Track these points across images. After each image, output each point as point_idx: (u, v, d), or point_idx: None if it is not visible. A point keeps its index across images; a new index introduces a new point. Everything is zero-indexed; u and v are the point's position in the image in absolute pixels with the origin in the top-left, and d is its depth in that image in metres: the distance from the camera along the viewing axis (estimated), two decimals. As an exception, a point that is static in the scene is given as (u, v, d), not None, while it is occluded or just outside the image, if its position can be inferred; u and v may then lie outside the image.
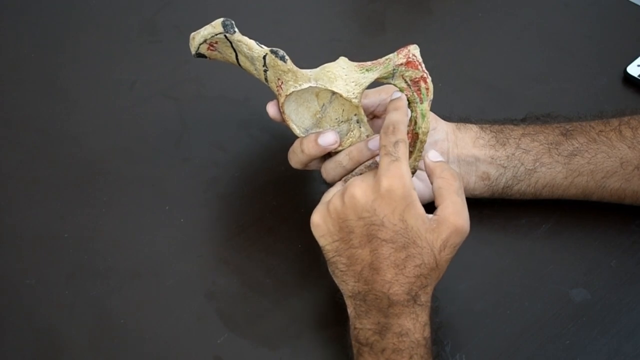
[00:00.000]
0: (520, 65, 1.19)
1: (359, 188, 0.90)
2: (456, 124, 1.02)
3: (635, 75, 1.15)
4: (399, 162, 0.89)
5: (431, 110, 0.99)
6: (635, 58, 1.16)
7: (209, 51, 0.98)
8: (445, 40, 1.21)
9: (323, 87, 0.95)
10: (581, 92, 1.15)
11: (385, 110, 0.99)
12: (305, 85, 0.96)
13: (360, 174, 0.95)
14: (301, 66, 0.97)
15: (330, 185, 0.98)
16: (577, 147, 1.00)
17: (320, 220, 0.91)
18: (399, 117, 0.92)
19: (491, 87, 1.16)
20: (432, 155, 0.93)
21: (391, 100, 0.95)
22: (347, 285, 0.91)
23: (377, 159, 0.95)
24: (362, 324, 0.89)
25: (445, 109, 1.03)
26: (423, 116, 0.95)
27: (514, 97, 1.15)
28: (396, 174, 0.89)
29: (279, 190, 1.06)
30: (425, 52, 0.96)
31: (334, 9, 1.26)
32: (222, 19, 0.95)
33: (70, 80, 1.17)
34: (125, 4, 1.25)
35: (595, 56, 1.19)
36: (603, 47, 1.20)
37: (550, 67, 1.18)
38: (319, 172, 1.00)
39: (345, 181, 0.96)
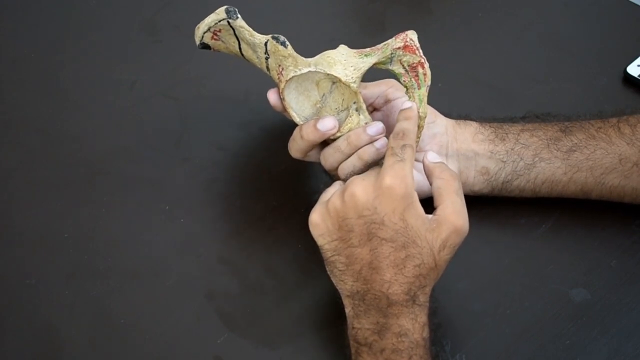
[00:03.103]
0: (520, 65, 1.19)
1: (360, 186, 0.90)
2: (456, 120, 1.02)
3: (635, 75, 1.15)
4: (403, 162, 0.89)
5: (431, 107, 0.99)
6: (635, 58, 1.16)
7: (213, 40, 0.99)
8: (445, 40, 1.21)
9: (322, 71, 0.96)
10: (581, 92, 1.15)
11: (384, 102, 1.00)
12: (305, 70, 0.96)
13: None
14: (300, 66, 0.97)
15: (329, 176, 0.98)
16: (576, 143, 1.00)
17: (319, 219, 0.91)
18: (409, 125, 0.93)
19: (491, 87, 1.16)
20: (430, 157, 0.94)
21: (401, 110, 0.95)
22: (345, 284, 0.90)
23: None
24: (360, 324, 0.89)
25: (445, 109, 1.03)
26: (421, 101, 0.95)
27: (514, 97, 1.15)
28: (399, 173, 0.89)
29: (279, 190, 1.06)
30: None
31: (334, 9, 1.26)
32: (225, 6, 0.96)
33: (70, 80, 1.17)
34: (125, 4, 1.25)
35: (595, 56, 1.19)
36: (603, 47, 1.20)
37: (550, 67, 1.18)
38: (319, 170, 1.00)
39: (345, 181, 0.96)
